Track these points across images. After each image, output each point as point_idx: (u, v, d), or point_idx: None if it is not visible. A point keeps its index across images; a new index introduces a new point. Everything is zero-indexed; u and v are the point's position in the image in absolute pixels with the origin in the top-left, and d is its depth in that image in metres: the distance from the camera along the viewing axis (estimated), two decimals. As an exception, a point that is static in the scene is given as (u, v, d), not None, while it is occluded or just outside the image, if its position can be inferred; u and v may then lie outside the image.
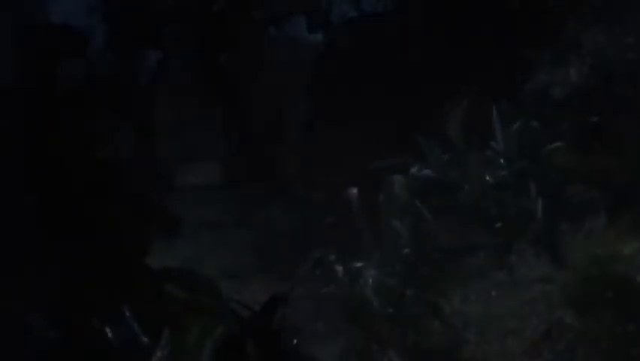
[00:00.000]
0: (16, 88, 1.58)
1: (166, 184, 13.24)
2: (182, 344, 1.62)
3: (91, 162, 1.63)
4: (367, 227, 6.44)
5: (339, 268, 6.06)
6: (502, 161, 7.47)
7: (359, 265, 6.10)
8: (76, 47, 1.64)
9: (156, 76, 15.68)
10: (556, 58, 8.47)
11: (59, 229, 1.57)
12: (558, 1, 8.93)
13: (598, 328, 5.27)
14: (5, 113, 1.58)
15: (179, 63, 16.27)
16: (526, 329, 5.60)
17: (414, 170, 6.83)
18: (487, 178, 7.34)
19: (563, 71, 8.28)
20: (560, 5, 8.85)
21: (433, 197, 6.76)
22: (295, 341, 5.90)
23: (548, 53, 8.59)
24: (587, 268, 5.54)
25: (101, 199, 1.62)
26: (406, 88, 10.71)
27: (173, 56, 15.25)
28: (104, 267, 1.57)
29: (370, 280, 5.97)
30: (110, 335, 1.52)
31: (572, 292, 5.59)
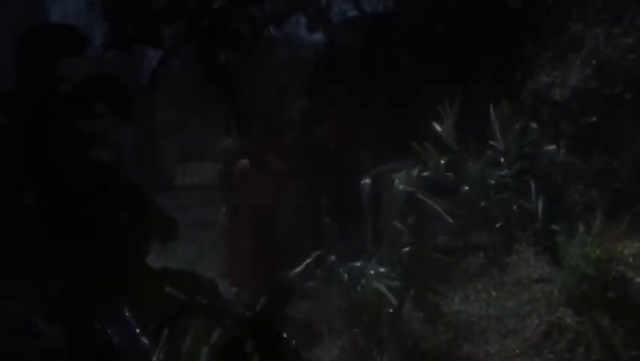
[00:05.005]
0: (15, 88, 1.57)
1: (166, 184, 13.24)
2: (181, 345, 1.61)
3: (90, 162, 1.62)
4: (370, 227, 6.45)
5: (340, 268, 6.06)
6: (502, 160, 7.46)
7: (360, 264, 6.09)
8: (77, 46, 1.63)
9: (156, 76, 15.67)
10: (557, 58, 8.47)
11: (59, 230, 1.56)
12: (559, 1, 8.92)
13: (597, 328, 5.27)
14: (4, 113, 1.58)
15: (179, 63, 16.26)
16: (526, 329, 5.60)
17: (414, 173, 6.83)
18: (490, 180, 7.34)
19: (563, 71, 8.28)
20: (560, 5, 8.84)
21: (434, 197, 6.75)
22: (295, 341, 5.91)
23: (548, 53, 8.58)
24: (586, 268, 5.53)
25: (100, 199, 1.61)
26: (405, 88, 10.71)
27: (173, 55, 15.24)
28: (103, 267, 1.56)
29: (371, 281, 5.96)
30: (109, 335, 1.51)
31: (572, 292, 5.59)
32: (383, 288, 5.85)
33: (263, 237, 7.85)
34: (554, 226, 6.62)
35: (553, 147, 7.44)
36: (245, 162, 8.26)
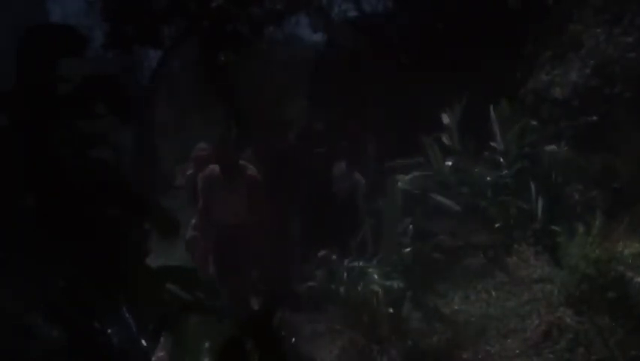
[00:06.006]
0: (15, 88, 1.58)
1: (166, 184, 13.25)
2: (181, 345, 1.61)
3: (90, 162, 1.63)
4: (370, 227, 6.45)
5: (341, 268, 6.06)
6: (502, 160, 7.47)
7: (360, 265, 6.09)
8: (77, 46, 1.63)
9: (156, 76, 15.70)
10: (557, 57, 8.47)
11: (59, 230, 1.56)
12: (559, 1, 8.93)
13: (597, 328, 5.27)
14: (4, 113, 1.58)
15: (179, 63, 16.29)
16: (526, 329, 5.60)
17: (417, 173, 6.85)
18: (488, 178, 7.34)
19: (563, 70, 8.28)
20: (560, 5, 8.85)
21: (435, 198, 6.77)
22: (295, 341, 5.92)
23: (548, 52, 8.59)
24: (586, 268, 5.53)
25: (100, 199, 1.61)
26: (405, 88, 10.71)
27: (173, 55, 15.27)
28: (103, 267, 1.57)
29: (371, 281, 5.96)
30: (109, 335, 1.52)
31: (572, 292, 5.59)
32: (380, 290, 5.84)
33: (237, 258, 6.71)
34: (554, 226, 6.62)
35: (553, 146, 7.43)
36: (214, 167, 6.96)
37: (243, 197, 6.87)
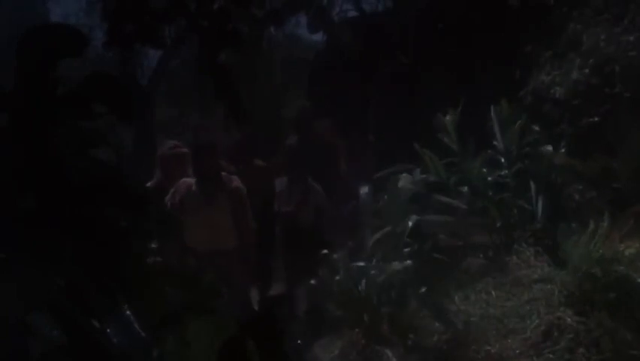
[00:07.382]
0: (15, 88, 1.58)
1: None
2: (182, 345, 1.61)
3: (91, 162, 1.63)
4: (371, 226, 6.46)
5: (340, 268, 6.06)
6: (502, 160, 7.47)
7: (360, 264, 6.09)
8: (76, 46, 1.63)
9: (156, 75, 15.69)
10: (557, 57, 8.46)
11: (59, 229, 1.56)
12: (559, 1, 8.92)
13: (598, 328, 5.27)
14: (4, 113, 1.58)
15: (179, 63, 16.29)
16: (526, 329, 5.59)
17: (416, 174, 6.85)
18: (489, 178, 7.34)
19: (564, 70, 8.28)
20: (560, 5, 8.85)
21: (434, 197, 6.76)
22: (295, 341, 5.92)
23: (548, 52, 8.58)
24: (587, 268, 5.53)
25: (101, 199, 1.62)
26: (404, 88, 10.71)
27: (173, 55, 15.26)
28: (103, 267, 1.57)
29: (371, 280, 5.96)
30: (109, 335, 1.52)
31: (572, 292, 5.59)
32: (380, 290, 5.84)
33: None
34: (554, 226, 6.62)
35: (550, 148, 7.43)
36: (189, 181, 5.81)
37: (227, 217, 5.83)
